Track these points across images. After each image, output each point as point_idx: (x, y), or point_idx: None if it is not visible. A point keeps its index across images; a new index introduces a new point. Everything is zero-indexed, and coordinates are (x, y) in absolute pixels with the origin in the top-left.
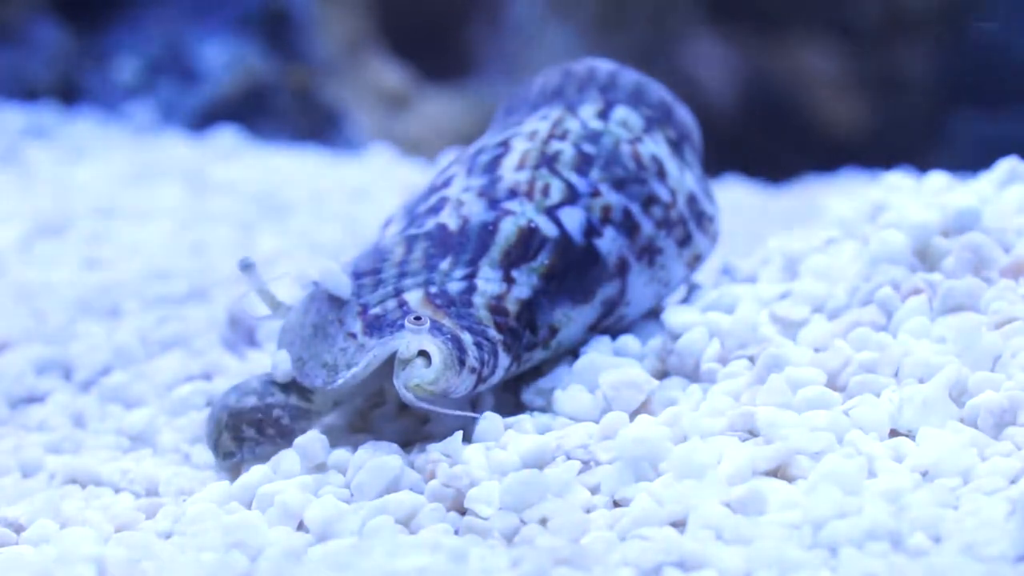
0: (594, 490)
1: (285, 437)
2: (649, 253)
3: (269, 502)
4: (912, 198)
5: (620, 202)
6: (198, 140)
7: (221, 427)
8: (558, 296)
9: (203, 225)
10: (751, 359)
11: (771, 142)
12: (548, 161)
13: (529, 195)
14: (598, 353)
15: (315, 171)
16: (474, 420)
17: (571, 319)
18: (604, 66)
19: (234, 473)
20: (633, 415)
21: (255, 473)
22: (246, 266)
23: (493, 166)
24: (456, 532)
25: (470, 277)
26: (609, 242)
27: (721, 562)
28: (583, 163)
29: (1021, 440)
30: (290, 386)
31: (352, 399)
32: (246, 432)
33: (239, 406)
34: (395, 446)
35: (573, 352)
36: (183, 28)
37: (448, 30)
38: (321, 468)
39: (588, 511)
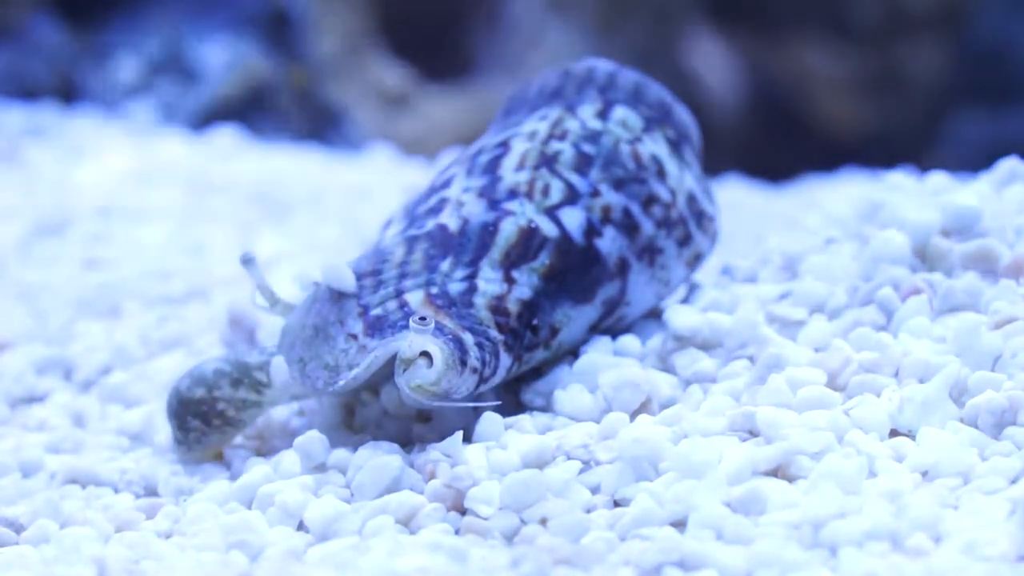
0: (594, 490)
1: (233, 426)
2: (649, 253)
3: (269, 502)
4: (912, 198)
5: (620, 202)
6: (198, 140)
7: (171, 413)
8: (559, 296)
9: (203, 225)
10: (751, 359)
11: (771, 142)
12: (548, 161)
13: (529, 195)
14: (598, 353)
15: (315, 171)
16: (476, 413)
17: (572, 319)
18: (603, 66)
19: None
20: (633, 415)
21: (255, 473)
22: (247, 260)
23: (493, 166)
24: (456, 532)
25: (471, 278)
26: (609, 242)
27: (721, 562)
28: (583, 163)
29: (1021, 440)
30: (241, 379)
31: (312, 395)
32: (191, 423)
33: (188, 396)
34: (395, 446)
35: (573, 352)
36: (183, 28)
37: (448, 30)
38: (321, 468)
39: (588, 511)
